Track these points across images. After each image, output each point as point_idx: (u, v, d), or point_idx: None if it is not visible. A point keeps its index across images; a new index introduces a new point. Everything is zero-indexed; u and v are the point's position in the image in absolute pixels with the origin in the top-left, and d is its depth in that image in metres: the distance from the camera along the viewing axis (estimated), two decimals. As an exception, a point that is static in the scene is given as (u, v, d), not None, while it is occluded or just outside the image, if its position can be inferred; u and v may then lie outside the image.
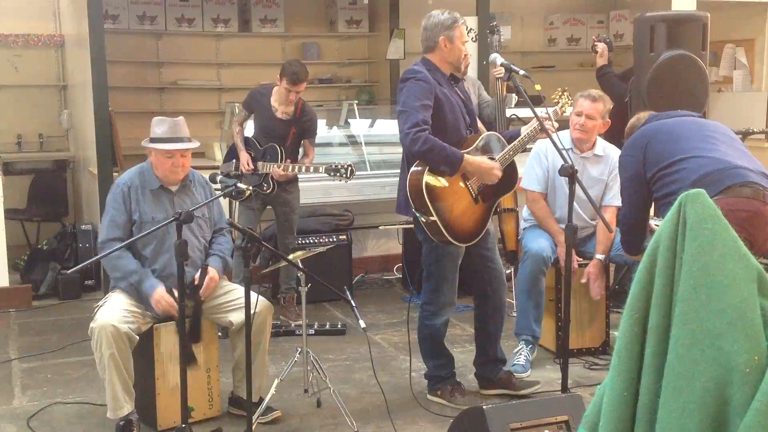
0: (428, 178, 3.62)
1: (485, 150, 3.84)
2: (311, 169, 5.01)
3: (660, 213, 3.80)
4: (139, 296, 3.63)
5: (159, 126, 3.70)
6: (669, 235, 1.60)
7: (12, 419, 3.90)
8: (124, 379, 3.50)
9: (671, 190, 3.38)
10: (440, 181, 3.65)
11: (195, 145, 3.75)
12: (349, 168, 4.83)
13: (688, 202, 1.58)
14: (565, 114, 4.37)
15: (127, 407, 3.53)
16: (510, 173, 3.91)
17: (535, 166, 4.59)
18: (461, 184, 3.73)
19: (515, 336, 4.56)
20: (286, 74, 5.01)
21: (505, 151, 3.86)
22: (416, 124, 3.55)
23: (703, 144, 3.42)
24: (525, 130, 3.92)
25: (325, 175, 4.91)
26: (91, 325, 3.51)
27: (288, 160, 5.15)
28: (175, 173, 3.72)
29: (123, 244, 3.51)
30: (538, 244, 4.43)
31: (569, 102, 4.23)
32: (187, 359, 3.56)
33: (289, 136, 5.19)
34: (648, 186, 3.54)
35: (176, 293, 3.51)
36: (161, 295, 3.58)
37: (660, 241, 1.62)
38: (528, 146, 4.02)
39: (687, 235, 1.57)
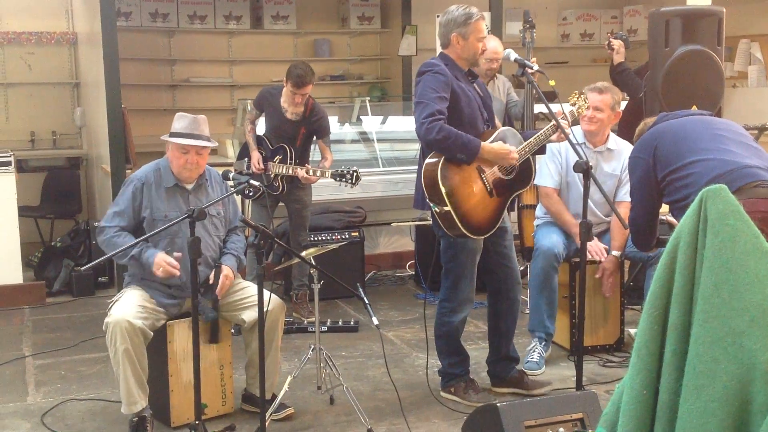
0: (443, 169, 3.59)
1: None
2: (318, 173, 5.03)
3: (674, 217, 3.77)
4: (143, 270, 3.62)
5: (179, 121, 3.70)
6: (690, 232, 1.58)
7: (26, 416, 3.91)
8: (138, 374, 3.51)
9: (683, 195, 3.35)
10: (456, 172, 3.63)
11: (212, 144, 3.74)
12: (355, 173, 4.84)
13: (709, 197, 1.55)
14: (582, 113, 4.33)
15: (141, 403, 3.53)
16: (526, 169, 3.88)
17: (548, 162, 4.56)
18: (477, 176, 3.71)
19: (529, 333, 4.54)
20: (290, 77, 5.00)
21: (521, 146, 3.84)
22: (432, 114, 3.54)
23: (712, 144, 3.38)
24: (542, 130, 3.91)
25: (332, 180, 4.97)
26: (106, 320, 3.52)
27: (297, 161, 5.15)
28: (188, 170, 3.71)
29: (136, 241, 3.51)
30: (550, 240, 4.41)
31: (586, 104, 4.18)
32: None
33: (299, 136, 5.18)
34: (658, 188, 3.51)
35: (176, 254, 3.56)
36: (161, 258, 3.56)
37: (681, 237, 1.59)
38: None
39: (708, 231, 1.55)
